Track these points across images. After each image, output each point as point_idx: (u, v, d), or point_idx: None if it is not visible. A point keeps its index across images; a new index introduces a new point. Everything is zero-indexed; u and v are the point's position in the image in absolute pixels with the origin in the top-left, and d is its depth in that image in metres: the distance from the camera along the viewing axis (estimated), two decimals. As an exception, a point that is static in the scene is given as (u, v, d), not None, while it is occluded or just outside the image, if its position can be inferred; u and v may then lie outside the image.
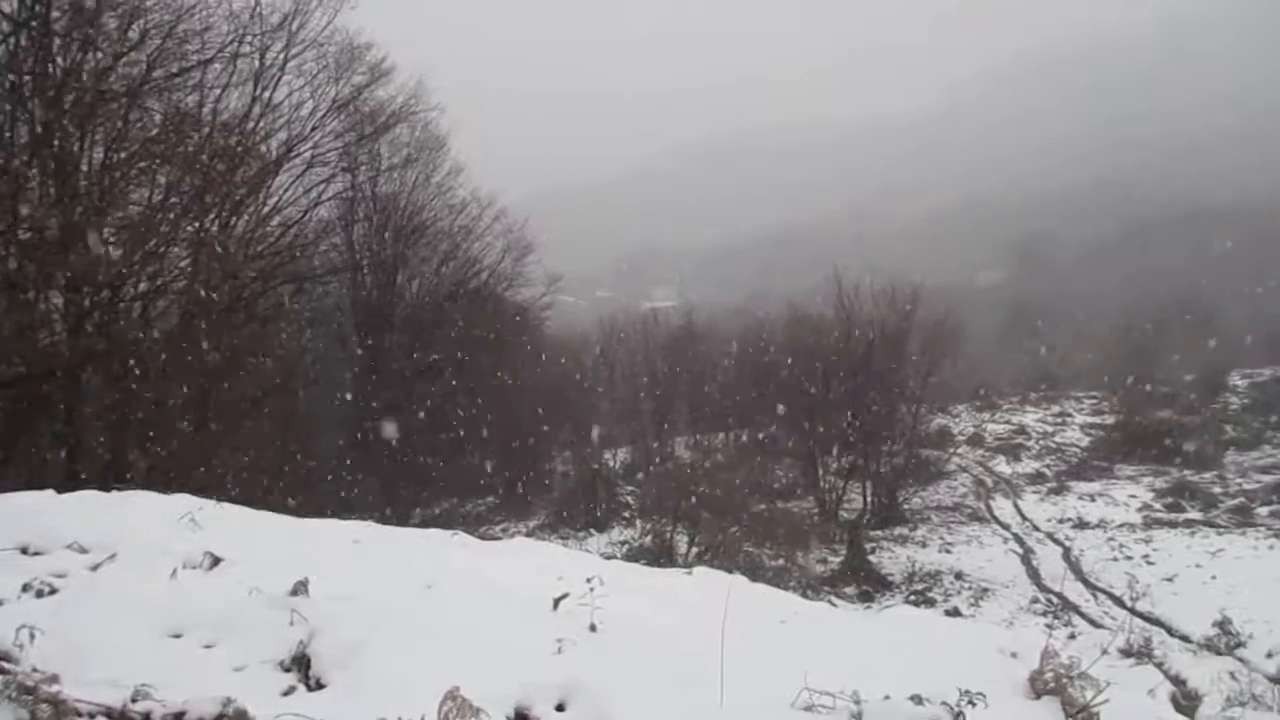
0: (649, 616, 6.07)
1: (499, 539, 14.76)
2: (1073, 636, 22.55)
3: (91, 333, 19.39)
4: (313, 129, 30.13)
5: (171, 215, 21.38)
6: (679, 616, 6.15)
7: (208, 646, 4.88)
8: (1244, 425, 52.49)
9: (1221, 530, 35.23)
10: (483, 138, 54.51)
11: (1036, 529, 37.96)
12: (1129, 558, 32.02)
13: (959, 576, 31.87)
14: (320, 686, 4.58)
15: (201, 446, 20.51)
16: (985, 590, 30.17)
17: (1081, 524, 37.95)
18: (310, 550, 7.01)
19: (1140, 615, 25.30)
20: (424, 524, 25.12)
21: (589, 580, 5.53)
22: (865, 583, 31.78)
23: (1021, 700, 5.01)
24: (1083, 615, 26.54)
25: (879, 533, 38.29)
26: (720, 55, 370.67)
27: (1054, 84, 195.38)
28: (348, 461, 32.41)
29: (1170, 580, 28.70)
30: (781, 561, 29.67)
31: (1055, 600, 28.21)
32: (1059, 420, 59.04)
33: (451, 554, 7.53)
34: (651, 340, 58.10)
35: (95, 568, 5.88)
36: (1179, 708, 7.17)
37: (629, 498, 43.50)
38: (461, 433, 37.19)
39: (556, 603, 5.80)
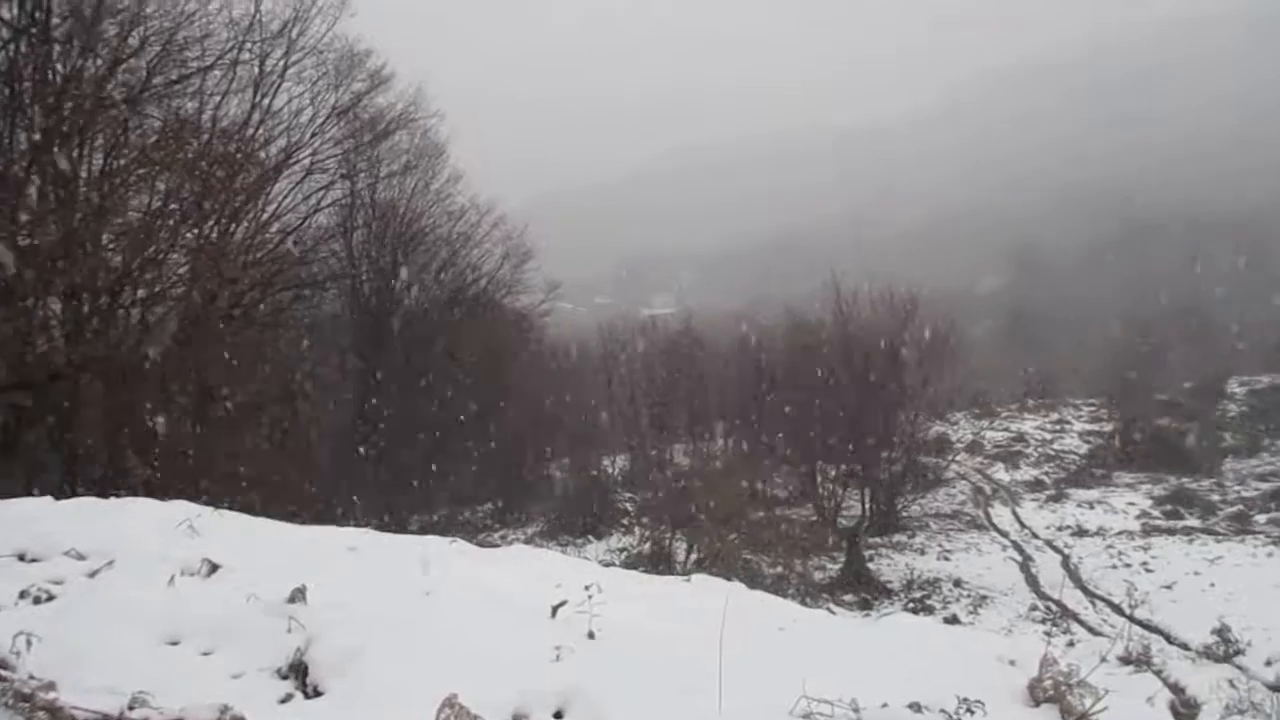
0: (647, 624, 6.05)
1: (497, 546, 14.71)
2: (1071, 644, 22.45)
3: (90, 339, 19.40)
4: (312, 136, 30.18)
5: (171, 222, 21.42)
6: (677, 624, 6.13)
7: (205, 653, 4.87)
8: (1243, 432, 52.50)
9: (1220, 537, 35.17)
10: (482, 144, 54.80)
11: (1035, 536, 37.88)
12: (1128, 565, 31.95)
13: (958, 584, 31.79)
14: (318, 694, 4.57)
15: (200, 453, 20.50)
16: (984, 598, 30.09)
17: (1080, 531, 37.89)
18: (308, 557, 6.99)
19: (1139, 623, 25.24)
20: (422, 531, 25.15)
21: (587, 587, 5.53)
22: (864, 590, 31.66)
23: (1020, 708, 4.98)
24: (1081, 623, 26.45)
25: (878, 540, 38.17)
26: (720, 60, 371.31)
27: (1054, 86, 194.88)
28: (346, 468, 32.37)
29: (1169, 588, 28.63)
30: (780, 569, 29.59)
31: (1054, 608, 28.11)
32: (1057, 427, 59.05)
33: (450, 561, 7.50)
34: (650, 347, 58.11)
35: (93, 574, 5.86)
36: (1178, 715, 7.17)
37: (627, 505, 43.41)
38: (460, 439, 37.15)
39: (555, 610, 5.78)
